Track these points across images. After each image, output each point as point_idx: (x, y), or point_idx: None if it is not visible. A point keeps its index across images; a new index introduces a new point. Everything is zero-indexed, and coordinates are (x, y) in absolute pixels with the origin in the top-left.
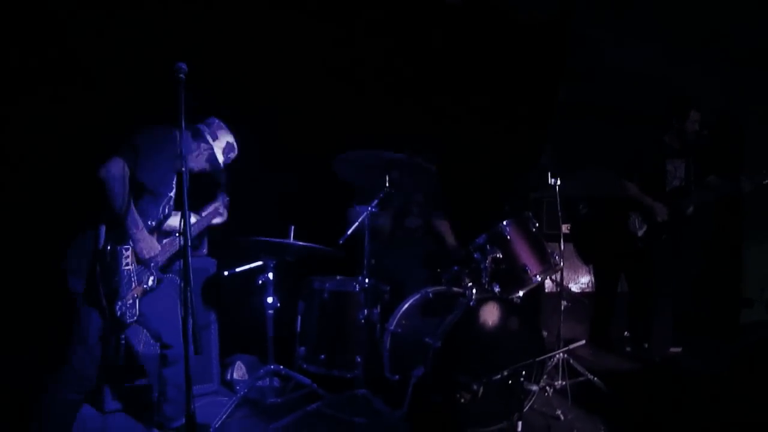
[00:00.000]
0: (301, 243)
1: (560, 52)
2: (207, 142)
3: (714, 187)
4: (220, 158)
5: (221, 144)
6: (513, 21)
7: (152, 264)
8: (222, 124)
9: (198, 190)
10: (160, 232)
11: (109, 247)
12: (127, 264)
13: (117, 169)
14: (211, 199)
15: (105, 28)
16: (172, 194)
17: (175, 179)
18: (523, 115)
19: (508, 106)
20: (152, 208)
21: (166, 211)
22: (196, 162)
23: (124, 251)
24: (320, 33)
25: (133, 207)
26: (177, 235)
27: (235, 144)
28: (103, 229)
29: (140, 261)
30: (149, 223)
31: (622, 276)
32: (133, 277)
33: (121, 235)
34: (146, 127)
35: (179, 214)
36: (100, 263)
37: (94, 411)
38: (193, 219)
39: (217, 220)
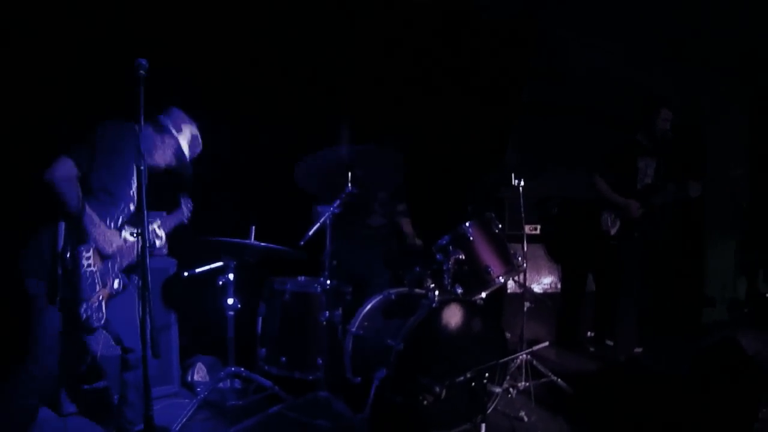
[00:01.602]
0: (261, 244)
1: (524, 52)
2: (171, 136)
3: (667, 195)
4: (187, 152)
5: (186, 136)
6: (478, 21)
7: (116, 266)
8: (183, 114)
9: (159, 191)
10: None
11: (69, 249)
12: (89, 265)
13: (64, 170)
14: (173, 201)
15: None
16: (132, 193)
17: (134, 177)
18: (487, 115)
19: (472, 106)
20: (112, 210)
21: (130, 210)
22: (162, 157)
23: (84, 252)
24: (283, 30)
25: (87, 206)
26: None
27: (199, 137)
28: (62, 228)
29: (103, 259)
30: (110, 224)
31: (589, 276)
32: (97, 279)
33: (81, 234)
34: (101, 124)
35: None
36: (62, 266)
37: (51, 414)
38: (155, 226)
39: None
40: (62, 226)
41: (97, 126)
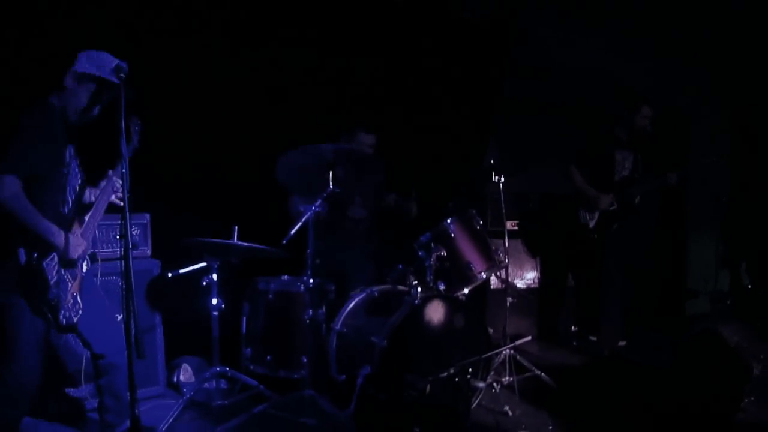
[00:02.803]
0: (244, 244)
1: (505, 49)
2: (85, 73)
3: (644, 185)
4: (108, 76)
5: (99, 63)
6: (456, 19)
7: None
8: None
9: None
10: (78, 212)
11: (34, 264)
12: (56, 272)
13: (11, 185)
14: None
15: None
16: (69, 170)
17: (67, 153)
18: (467, 113)
19: (452, 104)
20: (56, 193)
21: (75, 189)
22: (79, 99)
23: (50, 265)
24: (262, 27)
25: (41, 217)
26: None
27: (117, 59)
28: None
29: (70, 262)
30: (62, 210)
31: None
32: (68, 279)
33: (41, 242)
34: (13, 123)
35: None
36: (29, 280)
37: (31, 420)
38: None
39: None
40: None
41: (9, 128)
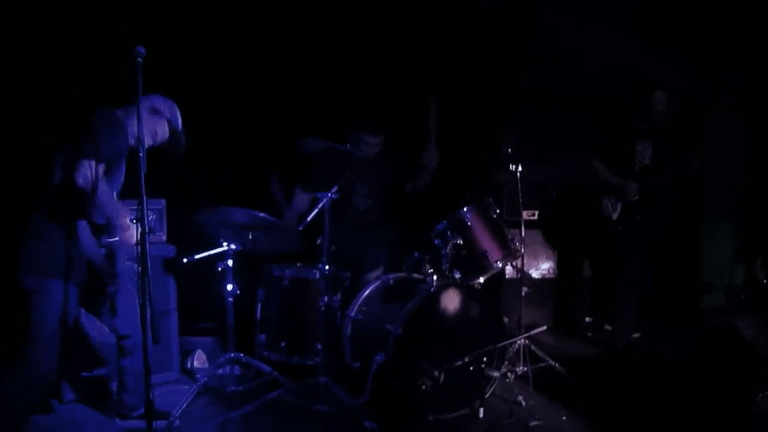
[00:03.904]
0: (261, 214)
1: (522, 39)
2: (162, 115)
3: (667, 171)
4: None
5: (172, 112)
6: (474, 9)
7: None
8: (161, 98)
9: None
10: None
11: (107, 241)
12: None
13: (90, 171)
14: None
15: None
16: (122, 178)
17: (123, 162)
18: (485, 102)
19: (470, 93)
20: (115, 181)
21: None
22: (155, 137)
23: (116, 243)
24: (277, 14)
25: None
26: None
27: (176, 108)
28: (84, 227)
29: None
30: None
31: (586, 262)
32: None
33: (102, 227)
34: (94, 112)
35: None
36: (107, 258)
37: (53, 401)
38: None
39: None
40: (83, 224)
41: (89, 115)
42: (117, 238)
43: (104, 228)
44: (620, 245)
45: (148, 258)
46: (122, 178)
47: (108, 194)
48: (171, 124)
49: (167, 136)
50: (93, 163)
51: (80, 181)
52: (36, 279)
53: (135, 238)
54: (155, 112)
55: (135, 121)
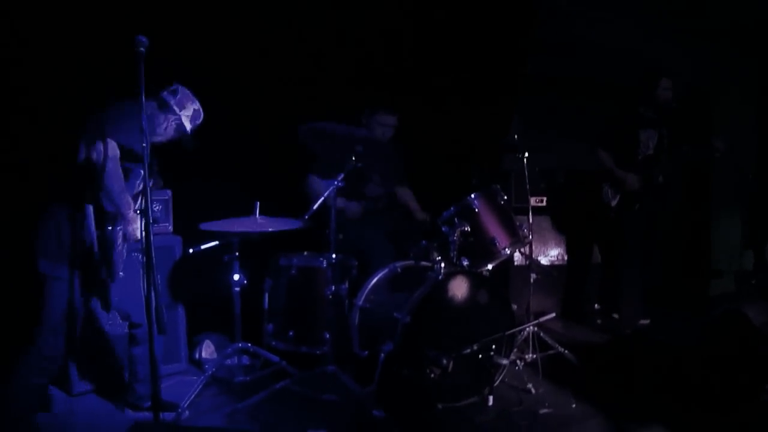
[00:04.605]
0: (266, 217)
1: (529, 25)
2: (174, 113)
3: (688, 154)
4: (188, 126)
5: (188, 113)
6: None
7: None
8: (187, 91)
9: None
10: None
11: (108, 229)
12: (119, 246)
13: (113, 150)
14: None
15: None
16: (140, 186)
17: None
18: (492, 88)
19: (477, 79)
20: (129, 184)
21: (140, 187)
22: (164, 134)
23: (117, 235)
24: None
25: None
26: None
27: (201, 110)
28: (90, 211)
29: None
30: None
31: (595, 248)
32: (124, 253)
33: (108, 216)
34: (117, 101)
35: None
36: (100, 246)
37: (62, 394)
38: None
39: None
40: (90, 209)
41: (113, 104)
42: (120, 228)
43: (111, 216)
44: (623, 232)
45: (153, 249)
46: (140, 187)
47: (119, 182)
48: (180, 126)
49: (172, 137)
50: (110, 142)
51: (93, 155)
52: (52, 264)
53: (140, 231)
54: (166, 108)
55: (156, 114)
